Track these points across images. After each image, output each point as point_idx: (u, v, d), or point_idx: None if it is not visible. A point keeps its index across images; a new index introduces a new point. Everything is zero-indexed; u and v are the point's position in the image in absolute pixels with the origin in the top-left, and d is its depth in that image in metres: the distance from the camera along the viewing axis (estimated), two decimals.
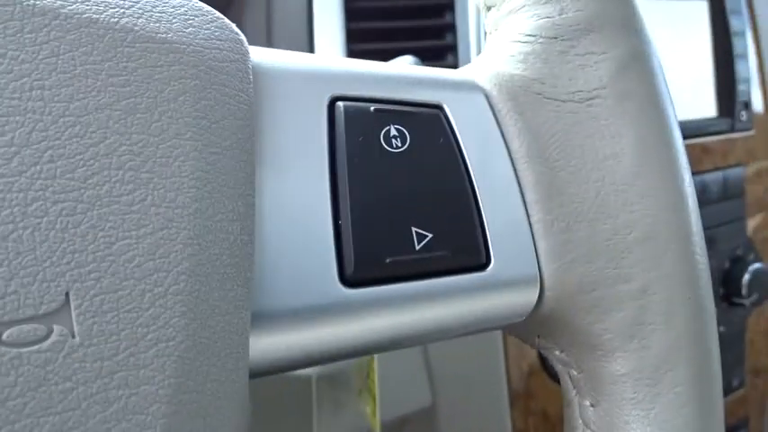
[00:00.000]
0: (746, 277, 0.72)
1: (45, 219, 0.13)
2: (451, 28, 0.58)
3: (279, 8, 0.55)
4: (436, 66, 0.56)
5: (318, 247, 0.17)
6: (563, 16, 0.21)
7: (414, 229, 0.18)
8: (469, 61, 0.57)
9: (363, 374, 0.41)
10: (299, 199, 0.17)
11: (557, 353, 0.22)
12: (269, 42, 0.55)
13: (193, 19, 0.17)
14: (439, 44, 0.58)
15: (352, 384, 0.42)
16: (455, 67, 0.57)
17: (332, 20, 0.55)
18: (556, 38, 0.21)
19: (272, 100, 0.18)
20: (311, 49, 0.54)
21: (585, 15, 0.21)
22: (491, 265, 0.19)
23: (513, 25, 0.22)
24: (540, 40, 0.21)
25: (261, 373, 0.17)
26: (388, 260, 0.18)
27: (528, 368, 0.57)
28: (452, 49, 0.58)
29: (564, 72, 0.21)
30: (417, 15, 0.58)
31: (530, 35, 0.21)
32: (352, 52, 0.54)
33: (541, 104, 0.20)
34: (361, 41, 0.55)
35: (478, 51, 0.57)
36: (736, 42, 0.77)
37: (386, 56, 0.55)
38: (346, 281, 0.17)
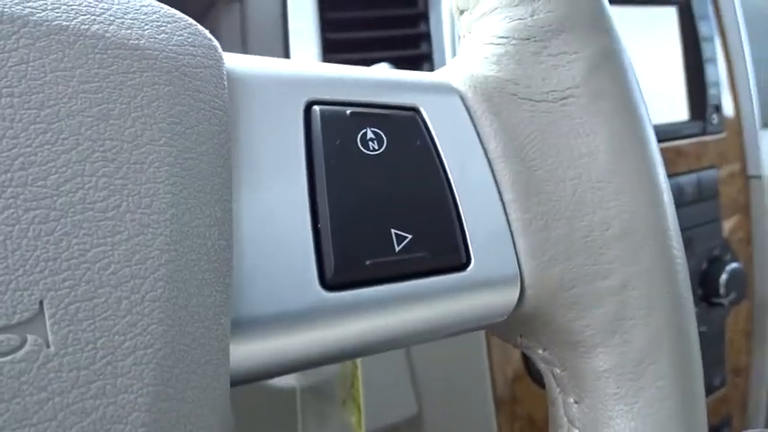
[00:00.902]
0: (724, 277, 0.74)
1: (17, 227, 0.13)
2: (426, 37, 0.58)
3: (253, 21, 0.55)
4: None
5: (298, 252, 0.17)
6: (534, 18, 0.21)
7: (393, 231, 0.18)
8: None
9: (347, 384, 0.40)
10: (277, 204, 0.17)
11: (539, 351, 0.22)
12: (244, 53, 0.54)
13: (166, 25, 0.17)
14: (414, 53, 0.58)
15: (336, 395, 0.41)
16: None
17: (307, 31, 0.55)
18: (528, 39, 0.21)
19: (247, 105, 0.18)
20: None
21: (557, 16, 0.21)
22: (471, 265, 0.19)
23: (486, 28, 0.22)
24: (513, 41, 0.21)
25: (243, 380, 0.17)
26: (368, 262, 0.18)
27: (512, 373, 0.57)
28: (427, 57, 0.58)
29: (537, 72, 0.21)
30: (392, 25, 0.58)
31: (503, 37, 0.21)
32: (328, 62, 0.54)
33: (516, 105, 0.21)
34: (336, 52, 0.55)
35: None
36: (705, 47, 0.78)
37: (362, 65, 0.56)
38: (327, 284, 0.17)
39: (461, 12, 0.23)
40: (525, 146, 0.20)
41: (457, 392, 0.53)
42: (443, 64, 0.57)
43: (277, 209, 0.17)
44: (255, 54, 0.57)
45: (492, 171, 0.20)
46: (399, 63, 0.56)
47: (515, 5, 0.21)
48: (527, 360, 0.57)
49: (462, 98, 0.21)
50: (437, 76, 0.22)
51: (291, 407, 0.42)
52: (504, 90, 0.21)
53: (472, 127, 0.21)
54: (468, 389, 0.54)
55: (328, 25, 0.55)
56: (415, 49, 0.58)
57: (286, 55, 0.54)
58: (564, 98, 0.21)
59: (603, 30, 0.21)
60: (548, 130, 0.20)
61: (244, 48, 0.55)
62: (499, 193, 0.20)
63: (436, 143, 0.20)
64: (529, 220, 0.20)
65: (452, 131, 0.20)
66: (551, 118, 0.20)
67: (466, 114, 0.21)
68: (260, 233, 0.17)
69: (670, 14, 0.78)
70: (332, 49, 0.55)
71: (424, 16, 0.58)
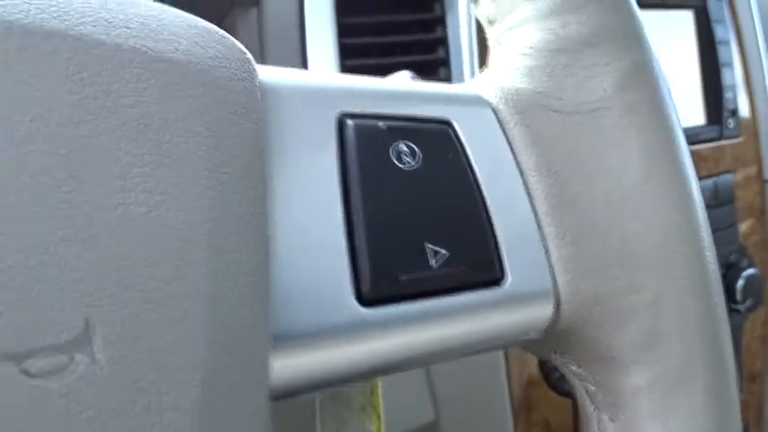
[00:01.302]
0: (740, 283, 0.73)
1: (60, 244, 0.13)
2: (443, 42, 0.58)
3: (271, 26, 0.55)
4: (429, 80, 0.56)
5: (333, 266, 0.17)
6: (566, 29, 0.21)
7: (428, 246, 0.18)
8: (462, 75, 0.57)
9: (366, 391, 0.40)
10: (311, 217, 0.17)
11: (573, 367, 0.22)
12: (262, 60, 0.54)
13: (200, 38, 0.17)
14: (431, 58, 0.58)
15: (355, 401, 0.41)
16: (448, 80, 0.57)
17: (324, 36, 0.55)
18: (560, 51, 0.21)
19: (280, 118, 0.18)
20: (304, 65, 0.54)
21: (588, 28, 0.21)
22: (506, 280, 0.19)
23: (517, 39, 0.22)
24: (545, 53, 0.21)
25: (281, 395, 0.17)
26: (403, 278, 0.18)
27: (529, 379, 0.57)
28: (444, 63, 0.58)
29: (569, 84, 0.21)
30: (409, 30, 0.58)
31: (534, 48, 0.21)
32: (345, 67, 0.55)
33: (548, 117, 0.21)
34: (353, 57, 0.55)
35: (471, 65, 0.57)
36: (721, 51, 0.78)
37: (379, 71, 0.56)
38: (363, 300, 0.17)
39: (491, 23, 0.23)
40: (558, 158, 0.20)
41: (474, 399, 0.53)
42: (460, 69, 0.57)
43: (312, 223, 0.17)
44: (273, 60, 0.57)
45: (525, 184, 0.20)
46: (416, 68, 0.56)
47: (547, 17, 0.21)
48: (543, 366, 0.57)
49: (494, 110, 0.21)
50: (468, 88, 0.22)
51: (310, 412, 0.42)
52: (535, 102, 0.21)
53: (504, 140, 0.21)
54: (484, 395, 0.54)
55: (345, 30, 0.55)
56: (432, 54, 0.58)
57: (303, 59, 0.54)
58: (596, 110, 0.20)
59: (635, 41, 0.21)
60: (580, 142, 0.20)
61: (261, 53, 0.55)
62: (533, 206, 0.20)
63: (469, 156, 0.20)
64: (562, 234, 0.20)
65: (485, 144, 0.20)
66: (583, 130, 0.20)
67: (498, 127, 0.21)
68: (295, 247, 0.17)
69: (686, 18, 0.78)
70: (349, 55, 0.55)
71: (440, 21, 0.58)
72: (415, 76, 0.37)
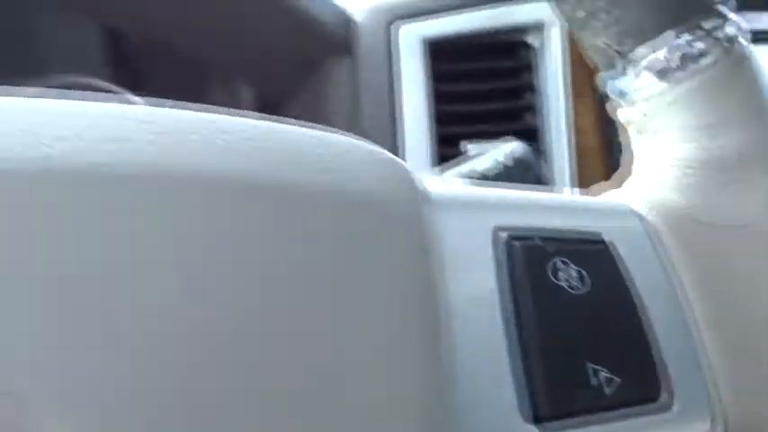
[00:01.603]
0: None
1: (267, 399, 0.13)
2: (531, 88, 0.59)
3: (363, 73, 0.57)
4: (515, 126, 0.57)
5: (505, 388, 0.18)
6: (714, 145, 0.21)
7: (595, 368, 0.19)
8: (550, 122, 0.57)
9: None
10: (475, 335, 0.18)
11: None
12: (355, 107, 0.56)
13: (365, 164, 0.17)
14: (518, 105, 0.59)
15: None
16: (534, 128, 0.58)
17: (416, 83, 0.56)
18: (709, 165, 0.21)
19: (437, 231, 0.18)
20: (396, 112, 0.56)
21: (737, 145, 0.21)
22: (673, 403, 0.19)
23: (664, 150, 0.22)
24: (693, 167, 0.22)
25: None
26: (576, 401, 0.18)
27: None
28: (530, 109, 0.59)
29: (719, 200, 0.21)
30: (496, 77, 0.59)
31: (682, 161, 0.22)
32: (436, 113, 0.56)
33: (700, 231, 0.21)
34: (445, 103, 0.56)
35: (558, 113, 0.57)
36: None
37: (469, 117, 0.57)
38: (537, 421, 0.18)
39: (640, 132, 0.23)
40: (712, 274, 0.21)
41: None
42: (548, 116, 0.57)
43: (477, 341, 0.18)
44: (366, 104, 0.58)
45: (683, 301, 0.21)
46: (502, 115, 0.57)
47: (694, 130, 0.22)
48: None
49: (645, 223, 0.22)
50: (617, 199, 0.23)
51: None
52: (686, 216, 0.21)
53: (658, 255, 0.21)
54: None
55: (437, 76, 0.57)
56: (519, 99, 0.59)
57: (396, 106, 0.55)
58: (747, 226, 0.21)
59: None
60: (733, 258, 0.21)
61: (354, 100, 0.56)
62: (693, 324, 0.20)
63: (627, 274, 0.20)
64: (724, 353, 0.20)
65: (640, 260, 0.21)
66: (735, 246, 0.21)
67: (651, 242, 0.21)
68: (464, 367, 0.17)
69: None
70: (440, 101, 0.56)
71: (527, 68, 0.59)
72: (524, 146, 0.38)
